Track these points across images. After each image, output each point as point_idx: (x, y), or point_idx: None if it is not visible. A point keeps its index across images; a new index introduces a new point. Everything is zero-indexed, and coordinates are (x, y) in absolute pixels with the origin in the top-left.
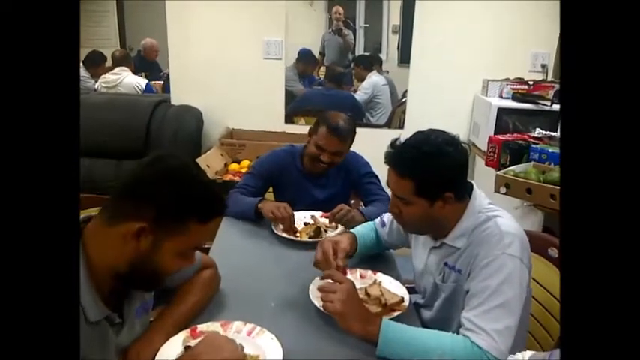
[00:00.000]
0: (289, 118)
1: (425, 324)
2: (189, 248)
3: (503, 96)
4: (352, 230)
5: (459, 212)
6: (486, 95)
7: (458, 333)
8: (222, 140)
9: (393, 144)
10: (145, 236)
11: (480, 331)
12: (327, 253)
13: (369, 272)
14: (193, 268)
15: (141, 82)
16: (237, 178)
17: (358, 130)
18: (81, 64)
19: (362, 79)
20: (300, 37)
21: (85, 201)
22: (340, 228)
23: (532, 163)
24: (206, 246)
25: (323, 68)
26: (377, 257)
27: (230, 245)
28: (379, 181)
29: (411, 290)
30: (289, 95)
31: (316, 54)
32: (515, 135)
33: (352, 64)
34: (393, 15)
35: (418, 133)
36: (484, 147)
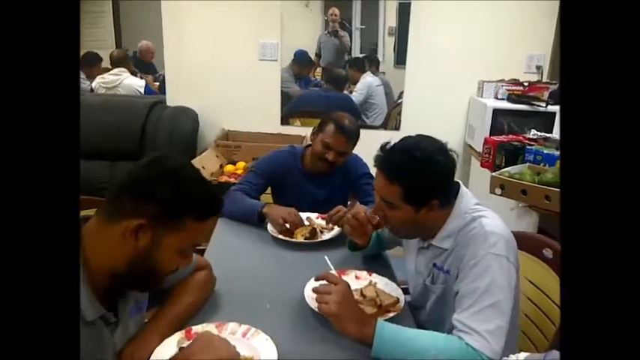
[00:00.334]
0: (285, 120)
1: (419, 325)
2: (188, 246)
3: (499, 97)
4: None
5: (443, 216)
6: (482, 96)
7: (451, 334)
8: (218, 141)
9: (383, 147)
10: (144, 233)
11: (472, 332)
12: (362, 219)
13: (364, 273)
14: (188, 269)
15: (141, 84)
16: (232, 179)
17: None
18: None
19: (355, 82)
20: (296, 38)
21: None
22: (336, 229)
23: (527, 164)
24: (201, 247)
25: (319, 70)
26: (372, 258)
27: (225, 246)
28: None
29: (405, 291)
30: (285, 97)
31: (312, 55)
32: (510, 136)
33: (346, 66)
34: (389, 16)
35: (407, 138)
36: (479, 148)
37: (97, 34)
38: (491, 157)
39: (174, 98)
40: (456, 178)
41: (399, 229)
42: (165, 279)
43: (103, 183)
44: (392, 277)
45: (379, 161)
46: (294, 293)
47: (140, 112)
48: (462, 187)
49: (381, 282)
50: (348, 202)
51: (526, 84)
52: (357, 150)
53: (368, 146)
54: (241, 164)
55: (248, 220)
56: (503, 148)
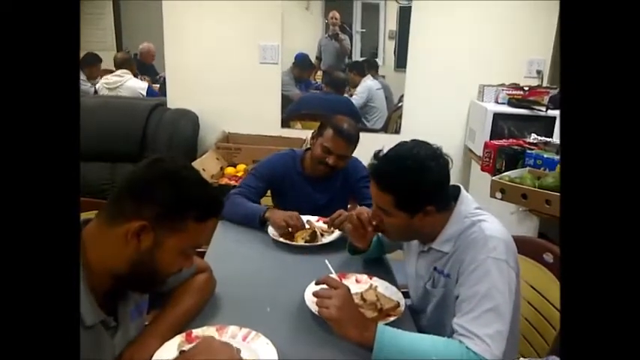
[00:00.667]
0: (286, 123)
1: (420, 329)
2: (189, 247)
3: (499, 101)
4: None
5: (443, 220)
6: (482, 101)
7: (451, 338)
8: (219, 144)
9: (376, 155)
10: (146, 234)
11: (472, 336)
12: (364, 220)
13: (365, 277)
14: (188, 272)
15: (143, 86)
16: (233, 182)
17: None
18: None
19: (355, 86)
20: (297, 41)
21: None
22: (337, 232)
23: (527, 168)
24: (202, 250)
25: (320, 73)
26: (372, 262)
27: (226, 250)
28: None
29: (406, 295)
30: (286, 100)
31: (313, 58)
32: (510, 140)
33: (347, 70)
34: (389, 20)
35: (400, 145)
36: (480, 152)
37: (97, 36)
38: (491, 161)
39: (174, 100)
40: (456, 182)
41: (395, 235)
42: (167, 280)
43: (103, 185)
44: (392, 280)
45: (372, 170)
46: (294, 296)
47: (141, 115)
48: (463, 191)
49: (382, 286)
50: (348, 206)
51: (526, 88)
52: (357, 153)
53: (368, 150)
54: (242, 167)
55: (249, 224)
56: (504, 152)
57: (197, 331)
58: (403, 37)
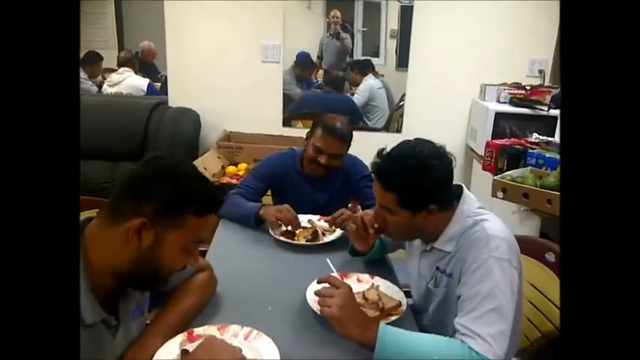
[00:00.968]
0: (287, 122)
1: (422, 328)
2: (190, 242)
3: (501, 101)
4: None
5: (445, 219)
6: (484, 100)
7: (453, 337)
8: (220, 143)
9: (379, 154)
10: (147, 232)
11: (474, 336)
12: (367, 222)
13: (367, 276)
14: (189, 271)
15: (143, 83)
16: (234, 181)
17: (357, 133)
18: None
19: (357, 84)
20: (298, 40)
21: (80, 203)
22: (338, 232)
23: (529, 167)
24: (203, 249)
25: (321, 72)
26: (374, 261)
27: (227, 249)
28: None
29: (408, 294)
30: (287, 99)
31: (314, 57)
32: (512, 140)
33: (348, 69)
34: (391, 19)
35: (403, 143)
36: (481, 151)
37: (99, 35)
38: (493, 160)
39: (176, 99)
40: (458, 182)
41: (398, 233)
42: (169, 278)
43: (104, 183)
44: (394, 280)
45: (375, 168)
46: (296, 296)
47: (142, 113)
48: (465, 191)
49: (384, 285)
50: (349, 205)
51: (528, 87)
52: (358, 152)
53: (369, 149)
54: (243, 165)
55: (246, 223)
56: (505, 151)
57: (198, 330)
58: (405, 36)
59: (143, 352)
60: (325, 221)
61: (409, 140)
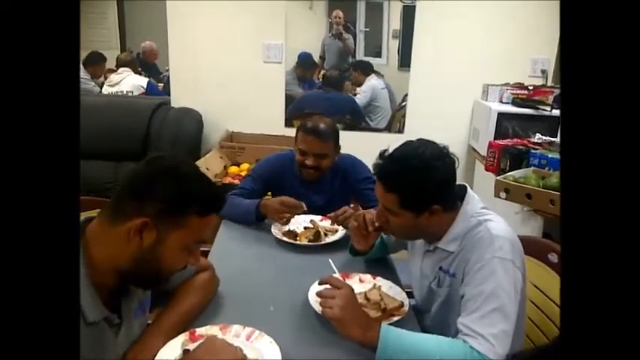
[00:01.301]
0: (289, 122)
1: (424, 329)
2: (192, 242)
3: (503, 101)
4: None
5: (449, 219)
6: (486, 100)
7: (456, 337)
8: (222, 143)
9: (381, 155)
10: (148, 231)
11: (477, 335)
12: (368, 220)
13: (368, 276)
14: (191, 270)
15: (143, 81)
16: (236, 181)
17: (359, 133)
18: (80, 65)
19: (359, 85)
20: (300, 40)
21: (83, 203)
22: (340, 232)
23: (532, 168)
24: (205, 249)
25: (323, 72)
26: (376, 262)
27: (229, 249)
28: None
29: (410, 295)
30: (289, 99)
31: (316, 58)
32: (515, 140)
33: (350, 69)
34: (393, 19)
35: (406, 144)
36: (484, 152)
37: (101, 35)
38: (495, 160)
39: (178, 99)
40: (460, 182)
41: (401, 234)
42: (170, 277)
43: (107, 183)
44: (396, 280)
45: (377, 169)
46: (298, 296)
47: (144, 113)
48: (469, 191)
49: (386, 285)
50: (351, 205)
51: (531, 88)
52: (360, 153)
53: (372, 149)
54: (245, 166)
55: (248, 221)
56: (508, 152)
57: (200, 330)
58: (407, 37)
59: (145, 352)
60: (328, 218)
61: (411, 141)
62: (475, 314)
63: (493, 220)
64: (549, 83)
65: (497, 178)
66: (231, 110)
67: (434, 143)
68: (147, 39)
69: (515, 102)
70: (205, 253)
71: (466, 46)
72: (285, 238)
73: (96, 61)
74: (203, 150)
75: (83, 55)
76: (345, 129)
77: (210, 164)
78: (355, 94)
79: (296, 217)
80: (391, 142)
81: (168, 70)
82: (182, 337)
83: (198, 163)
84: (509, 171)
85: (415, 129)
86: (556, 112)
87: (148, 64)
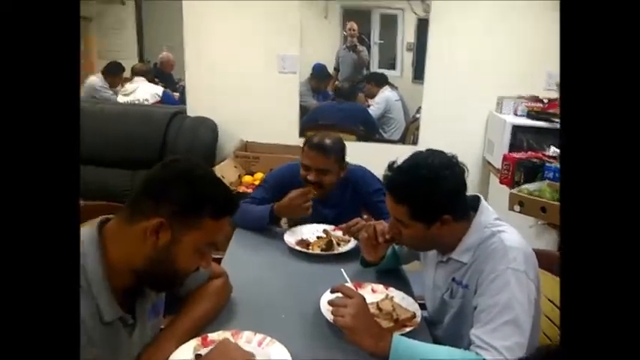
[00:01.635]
0: (303, 132)
1: (436, 340)
2: (205, 244)
3: (518, 114)
4: None
5: (462, 229)
6: (501, 112)
7: (469, 349)
8: (237, 152)
9: (390, 167)
10: (164, 232)
11: (489, 348)
12: (379, 231)
13: (381, 287)
14: (204, 277)
15: (158, 89)
16: (250, 190)
17: (372, 145)
18: (99, 74)
19: (372, 97)
20: (315, 51)
21: (99, 208)
22: (353, 242)
23: (546, 181)
24: (218, 257)
25: (336, 83)
26: (389, 273)
27: (242, 257)
28: None
29: (422, 306)
30: (303, 110)
31: (331, 69)
32: (529, 153)
33: (364, 81)
34: (407, 32)
35: (414, 155)
36: (498, 164)
37: (119, 45)
38: (510, 173)
39: (194, 108)
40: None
41: (414, 245)
42: (184, 279)
43: (124, 191)
44: (409, 291)
45: (386, 181)
46: (309, 304)
47: (161, 122)
48: (483, 201)
49: (398, 296)
50: (364, 217)
51: (546, 101)
52: (373, 164)
53: (385, 161)
54: (259, 175)
55: (261, 225)
56: (523, 164)
57: (213, 336)
58: (421, 49)
59: (157, 356)
60: (340, 229)
61: (420, 151)
62: (488, 326)
63: (507, 232)
64: None
65: (512, 191)
66: (246, 120)
67: (442, 153)
68: (164, 49)
69: (530, 115)
70: (218, 261)
71: (480, 59)
72: (297, 247)
73: (114, 72)
74: (218, 159)
75: (102, 64)
76: (358, 140)
77: (225, 173)
78: (368, 106)
79: (309, 226)
80: (405, 153)
81: (183, 81)
82: (194, 342)
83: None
84: (523, 184)
85: (429, 141)
86: None
87: (164, 74)
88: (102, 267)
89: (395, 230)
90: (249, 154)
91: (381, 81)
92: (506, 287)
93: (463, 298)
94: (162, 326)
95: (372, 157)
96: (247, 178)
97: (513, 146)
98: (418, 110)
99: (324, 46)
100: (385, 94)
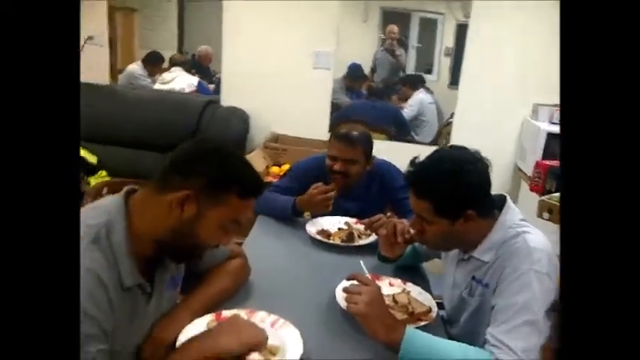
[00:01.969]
0: (333, 128)
1: (452, 338)
2: (229, 221)
3: (553, 121)
4: None
5: (486, 227)
6: (536, 120)
7: (483, 348)
8: (267, 143)
9: (412, 162)
10: (190, 204)
11: (504, 347)
12: (399, 229)
13: (399, 281)
14: (224, 255)
15: (194, 80)
16: (276, 180)
17: (403, 145)
18: (140, 62)
19: (406, 99)
20: (352, 50)
21: (127, 185)
22: (374, 235)
23: None
24: (239, 242)
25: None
26: (408, 269)
27: (263, 243)
28: None
29: (440, 306)
30: (335, 107)
31: (366, 69)
32: None
33: (399, 83)
34: (446, 36)
35: (438, 150)
36: (530, 172)
37: (161, 36)
38: (541, 181)
39: (228, 99)
40: None
41: (437, 244)
42: (203, 253)
43: (152, 172)
44: (427, 288)
45: (408, 177)
46: (325, 293)
47: (195, 109)
48: (509, 201)
49: (415, 291)
50: (388, 214)
51: None
52: (401, 166)
53: None
54: (286, 166)
55: (284, 215)
56: (554, 172)
57: (227, 313)
58: (459, 54)
59: (172, 328)
60: (362, 223)
61: (442, 148)
62: (505, 326)
63: (531, 233)
64: None
65: (542, 198)
66: (278, 113)
67: (465, 148)
68: (204, 42)
69: None
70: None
71: (517, 65)
72: (318, 237)
73: (154, 61)
74: (247, 149)
75: (143, 54)
76: (389, 139)
77: (253, 162)
78: (401, 108)
79: (331, 218)
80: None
81: (219, 73)
82: (208, 317)
83: None
84: (554, 192)
85: (461, 144)
86: None
87: (201, 67)
88: (126, 234)
89: (418, 227)
90: (278, 145)
91: (417, 84)
92: (528, 288)
93: (482, 296)
94: (178, 301)
95: (401, 158)
96: (274, 169)
97: (547, 154)
98: (452, 115)
99: (361, 46)
100: (419, 96)
